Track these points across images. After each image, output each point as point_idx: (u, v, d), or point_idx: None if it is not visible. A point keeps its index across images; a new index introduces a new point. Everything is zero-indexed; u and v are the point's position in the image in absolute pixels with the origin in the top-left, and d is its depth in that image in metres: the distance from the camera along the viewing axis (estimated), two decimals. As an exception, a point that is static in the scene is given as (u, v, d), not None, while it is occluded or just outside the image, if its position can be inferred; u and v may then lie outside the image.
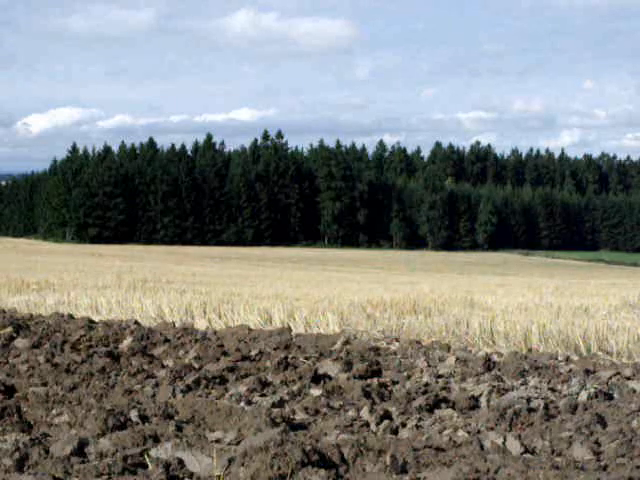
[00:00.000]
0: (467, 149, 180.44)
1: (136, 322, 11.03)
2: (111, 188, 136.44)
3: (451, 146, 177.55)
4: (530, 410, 5.43)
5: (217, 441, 4.77)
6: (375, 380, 6.52)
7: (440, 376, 6.95)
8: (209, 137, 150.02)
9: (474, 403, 5.88)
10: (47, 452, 4.45)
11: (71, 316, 11.64)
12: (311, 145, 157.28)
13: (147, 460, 4.26)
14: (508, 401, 5.72)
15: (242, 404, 5.81)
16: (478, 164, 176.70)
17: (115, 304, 13.63)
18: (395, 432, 5.11)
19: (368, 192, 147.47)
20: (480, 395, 6.01)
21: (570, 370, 7.13)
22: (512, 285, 30.37)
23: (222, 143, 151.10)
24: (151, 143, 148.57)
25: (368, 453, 4.34)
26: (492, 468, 4.09)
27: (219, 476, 4.03)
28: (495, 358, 7.86)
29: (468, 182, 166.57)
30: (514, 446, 4.59)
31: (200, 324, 11.30)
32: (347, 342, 8.85)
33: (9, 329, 9.43)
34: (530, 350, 8.55)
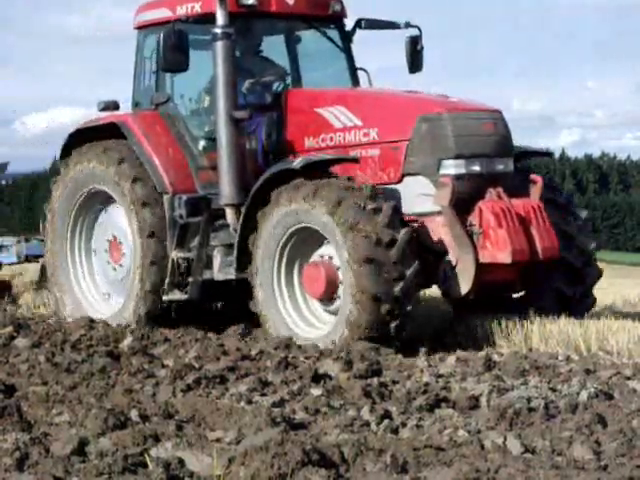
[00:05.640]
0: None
1: (136, 321, 11.01)
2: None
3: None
4: (530, 410, 5.43)
5: (217, 440, 4.78)
6: (375, 380, 6.52)
7: (440, 376, 6.95)
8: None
9: (474, 403, 5.88)
10: (47, 451, 4.45)
11: (71, 316, 11.62)
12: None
13: (147, 459, 4.26)
14: (508, 401, 5.73)
15: (242, 404, 5.81)
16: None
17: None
18: (395, 432, 5.11)
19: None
20: (480, 395, 6.01)
21: (570, 370, 7.13)
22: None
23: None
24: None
25: (368, 453, 4.34)
26: (492, 468, 4.09)
27: (219, 475, 4.03)
28: (495, 358, 7.86)
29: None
30: (514, 446, 4.60)
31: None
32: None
33: (9, 328, 9.43)
34: (530, 350, 8.54)
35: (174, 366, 7.04)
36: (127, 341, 8.35)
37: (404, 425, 5.24)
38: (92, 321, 9.64)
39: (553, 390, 6.22)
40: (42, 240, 13.82)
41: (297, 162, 8.63)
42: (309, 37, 10.58)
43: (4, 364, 7.39)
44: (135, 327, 9.32)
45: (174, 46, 9.16)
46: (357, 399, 5.93)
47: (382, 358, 7.68)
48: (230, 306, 10.17)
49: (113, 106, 10.30)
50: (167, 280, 9.46)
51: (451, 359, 7.64)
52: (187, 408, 5.58)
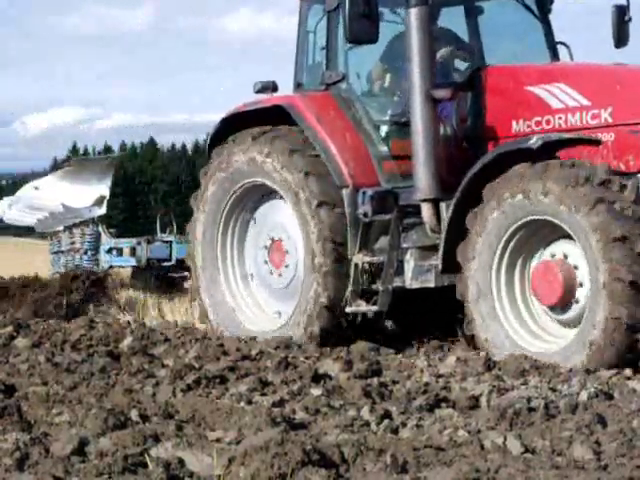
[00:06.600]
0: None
1: (136, 321, 11.02)
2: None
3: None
4: (530, 410, 5.43)
5: (217, 440, 4.78)
6: (375, 380, 6.52)
7: (440, 376, 6.95)
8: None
9: (474, 403, 5.88)
10: (47, 451, 4.45)
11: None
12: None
13: (147, 459, 4.26)
14: (508, 401, 5.72)
15: (242, 404, 5.81)
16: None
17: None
18: (395, 432, 5.11)
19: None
20: (480, 395, 6.01)
21: (570, 370, 7.13)
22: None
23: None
24: (151, 142, 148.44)
25: (368, 453, 4.34)
26: (492, 468, 4.09)
27: (219, 475, 4.03)
28: (496, 358, 7.86)
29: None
30: (514, 446, 4.59)
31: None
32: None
33: (9, 328, 9.43)
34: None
35: (174, 366, 7.04)
36: (127, 341, 8.35)
37: (404, 425, 5.24)
38: (92, 321, 9.65)
39: (553, 390, 6.22)
40: (166, 241, 12.79)
41: (533, 141, 7.44)
42: (497, 7, 9.21)
43: (4, 364, 7.39)
44: (135, 326, 9.29)
45: (363, 14, 7.83)
46: (357, 399, 5.93)
47: (382, 358, 7.69)
48: (416, 318, 8.91)
49: (272, 87, 9.03)
50: (350, 289, 8.17)
51: (451, 359, 7.64)
52: (187, 408, 5.58)
